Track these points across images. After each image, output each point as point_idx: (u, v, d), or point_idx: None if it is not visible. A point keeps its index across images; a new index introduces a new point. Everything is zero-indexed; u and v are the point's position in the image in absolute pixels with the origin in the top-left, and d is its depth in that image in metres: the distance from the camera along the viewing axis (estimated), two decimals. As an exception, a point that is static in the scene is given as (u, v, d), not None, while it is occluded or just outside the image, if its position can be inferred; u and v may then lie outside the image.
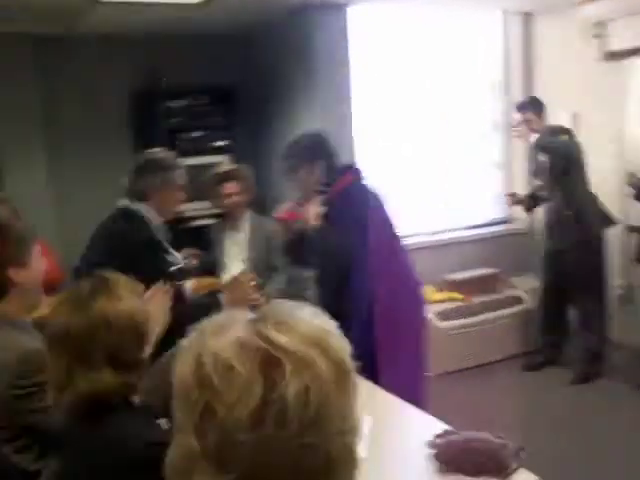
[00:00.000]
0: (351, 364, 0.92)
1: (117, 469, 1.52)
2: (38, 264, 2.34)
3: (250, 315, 0.93)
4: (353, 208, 3.36)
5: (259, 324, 0.89)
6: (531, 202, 5.25)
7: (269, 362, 0.84)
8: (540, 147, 4.85)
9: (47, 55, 5.08)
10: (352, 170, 3.53)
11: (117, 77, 5.29)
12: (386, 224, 3.46)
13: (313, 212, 3.37)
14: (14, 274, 2.21)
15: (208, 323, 0.93)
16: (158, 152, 3.41)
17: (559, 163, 4.78)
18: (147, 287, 2.17)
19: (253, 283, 2.76)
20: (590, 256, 4.91)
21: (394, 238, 3.51)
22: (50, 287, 4.47)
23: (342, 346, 0.92)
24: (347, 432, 0.88)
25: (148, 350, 1.77)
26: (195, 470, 0.85)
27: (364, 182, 3.50)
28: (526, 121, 4.97)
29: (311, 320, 0.93)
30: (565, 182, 4.84)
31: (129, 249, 3.08)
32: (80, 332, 1.60)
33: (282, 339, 0.86)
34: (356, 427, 0.91)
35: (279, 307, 0.95)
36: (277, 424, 0.82)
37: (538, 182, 5.08)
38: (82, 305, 1.64)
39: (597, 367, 5.00)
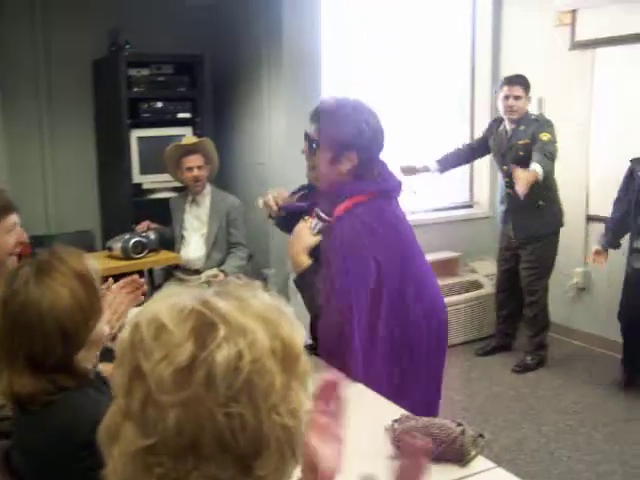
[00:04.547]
0: (302, 350, 0.88)
1: (64, 456, 1.45)
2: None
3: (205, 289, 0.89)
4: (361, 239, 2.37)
5: (206, 293, 0.87)
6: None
7: (204, 324, 0.81)
8: (539, 135, 4.56)
9: (5, 18, 4.90)
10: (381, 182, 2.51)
11: (79, 43, 5.11)
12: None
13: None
14: None
15: (157, 294, 0.89)
16: None
17: (553, 155, 4.59)
18: None
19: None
20: (550, 248, 4.89)
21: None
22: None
23: (294, 330, 0.88)
24: (285, 414, 0.83)
25: (91, 349, 1.58)
26: (120, 433, 0.82)
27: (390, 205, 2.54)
28: (515, 97, 4.75)
29: (265, 299, 0.89)
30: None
31: None
32: (2, 332, 1.49)
33: (223, 305, 0.84)
34: (299, 413, 0.85)
35: (235, 284, 0.91)
36: (203, 387, 0.78)
37: (505, 168, 4.88)
38: (9, 299, 1.50)
39: (539, 357, 5.03)
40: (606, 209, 4.79)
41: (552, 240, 4.90)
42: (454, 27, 6.07)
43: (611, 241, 4.57)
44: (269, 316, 0.86)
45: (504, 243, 5.12)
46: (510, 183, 4.83)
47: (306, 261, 2.48)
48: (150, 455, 0.80)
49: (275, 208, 2.71)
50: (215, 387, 0.78)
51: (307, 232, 2.49)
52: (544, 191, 4.73)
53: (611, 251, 4.58)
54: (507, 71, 5.69)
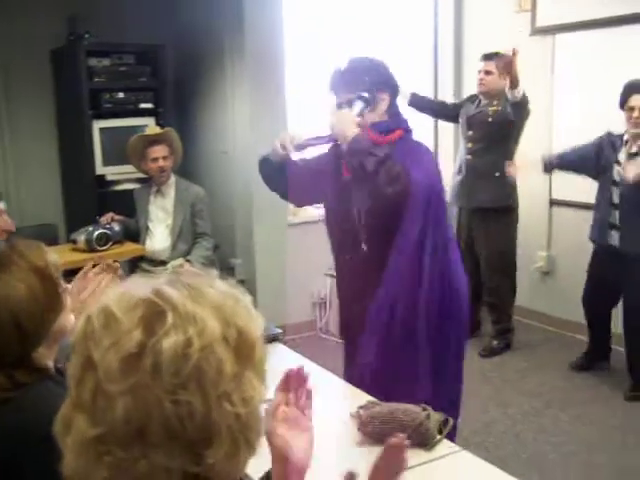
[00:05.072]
0: (258, 338, 0.88)
1: (23, 450, 1.42)
2: None
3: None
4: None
5: (158, 282, 0.86)
6: None
7: (153, 312, 0.81)
8: (511, 103, 4.63)
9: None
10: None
11: (36, 32, 5.01)
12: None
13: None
14: None
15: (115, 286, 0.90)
16: None
17: (521, 126, 4.71)
18: None
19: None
20: (502, 232, 4.90)
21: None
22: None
23: (250, 318, 0.88)
24: (237, 402, 0.82)
25: (51, 345, 1.56)
26: (72, 423, 0.83)
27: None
28: (486, 72, 4.81)
29: (221, 287, 0.89)
30: (505, 144, 4.77)
31: None
32: None
33: (174, 294, 0.83)
34: (253, 401, 0.85)
35: (189, 273, 0.91)
36: (150, 374, 0.78)
37: (470, 134, 4.91)
38: None
39: (505, 341, 5.07)
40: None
41: (504, 222, 4.90)
42: (416, 14, 6.07)
43: (561, 157, 4.50)
44: (224, 304, 0.85)
45: (460, 227, 5.11)
46: (471, 150, 4.88)
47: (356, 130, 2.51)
48: (100, 444, 0.80)
49: (290, 147, 2.64)
50: (162, 374, 0.78)
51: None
52: (503, 164, 4.75)
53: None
54: (469, 57, 5.73)
